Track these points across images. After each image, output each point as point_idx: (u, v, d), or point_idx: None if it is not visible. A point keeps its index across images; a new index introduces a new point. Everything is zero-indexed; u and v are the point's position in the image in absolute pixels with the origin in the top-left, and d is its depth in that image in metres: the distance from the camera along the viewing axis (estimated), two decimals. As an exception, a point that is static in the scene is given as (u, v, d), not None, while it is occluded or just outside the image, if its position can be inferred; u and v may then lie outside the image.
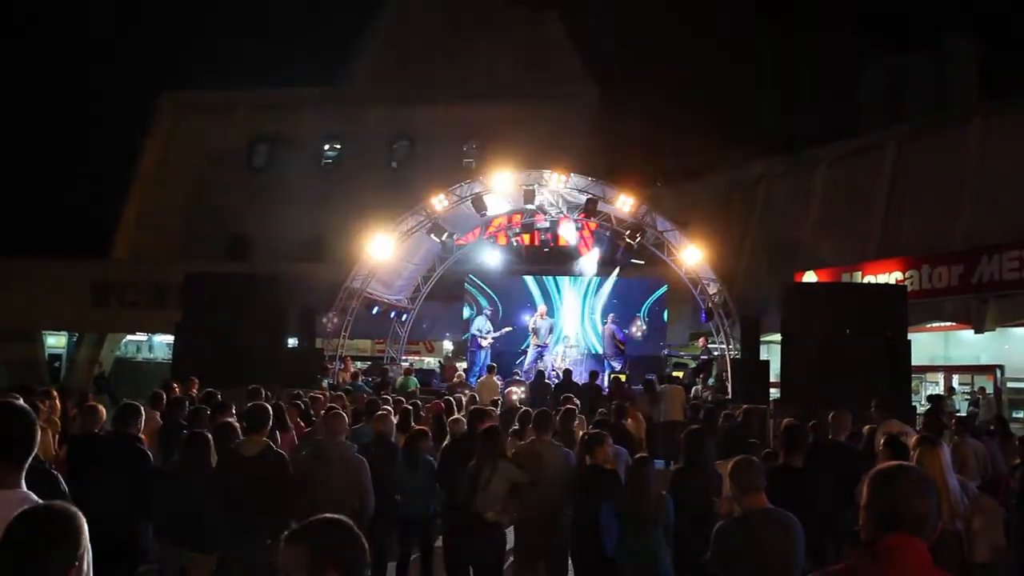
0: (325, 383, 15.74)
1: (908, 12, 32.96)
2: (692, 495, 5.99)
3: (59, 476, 4.80)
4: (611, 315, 19.31)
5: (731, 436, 9.35)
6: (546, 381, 15.85)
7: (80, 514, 2.39)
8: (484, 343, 19.40)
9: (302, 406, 10.05)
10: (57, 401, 9.01)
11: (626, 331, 19.12)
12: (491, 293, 20.66)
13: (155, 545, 6.29)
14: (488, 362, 17.83)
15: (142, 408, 6.63)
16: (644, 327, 19.68)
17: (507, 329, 19.92)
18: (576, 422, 8.67)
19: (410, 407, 9.68)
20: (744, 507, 4.20)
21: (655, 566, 5.78)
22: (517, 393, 15.63)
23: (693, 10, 33.04)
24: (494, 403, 12.80)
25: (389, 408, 9.02)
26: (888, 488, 2.47)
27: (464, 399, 12.45)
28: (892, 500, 2.43)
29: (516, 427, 8.52)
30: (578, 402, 10.22)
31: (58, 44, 42.28)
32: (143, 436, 8.22)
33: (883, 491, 2.47)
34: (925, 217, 22.06)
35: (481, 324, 19.34)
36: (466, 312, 20.76)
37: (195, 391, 11.10)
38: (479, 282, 20.87)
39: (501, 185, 17.50)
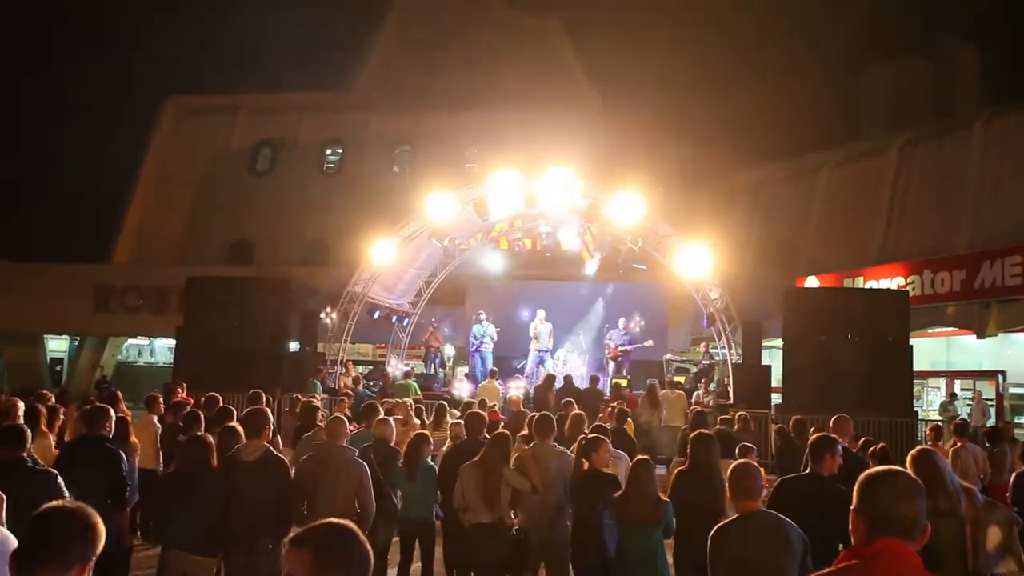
0: (318, 387, 15.44)
1: (909, 16, 32.94)
2: (696, 497, 5.98)
3: (58, 476, 4.82)
4: (621, 319, 19.21)
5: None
6: (553, 388, 15.79)
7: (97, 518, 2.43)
8: (473, 348, 19.24)
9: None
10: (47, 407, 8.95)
11: (626, 336, 19.02)
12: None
13: (156, 548, 6.28)
14: (487, 367, 17.74)
15: (109, 409, 6.60)
16: (642, 326, 19.48)
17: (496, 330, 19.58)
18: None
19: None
20: (738, 511, 4.26)
21: (653, 569, 5.77)
22: (518, 395, 15.55)
23: (694, 16, 33.09)
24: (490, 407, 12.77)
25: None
26: (878, 492, 2.47)
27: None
28: (882, 504, 2.44)
29: (525, 432, 8.48)
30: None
31: (61, 48, 42.44)
32: (135, 439, 8.23)
33: (873, 495, 2.47)
34: (927, 222, 22.05)
35: (477, 330, 19.16)
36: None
37: (183, 395, 11.04)
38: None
39: (503, 189, 17.49)
